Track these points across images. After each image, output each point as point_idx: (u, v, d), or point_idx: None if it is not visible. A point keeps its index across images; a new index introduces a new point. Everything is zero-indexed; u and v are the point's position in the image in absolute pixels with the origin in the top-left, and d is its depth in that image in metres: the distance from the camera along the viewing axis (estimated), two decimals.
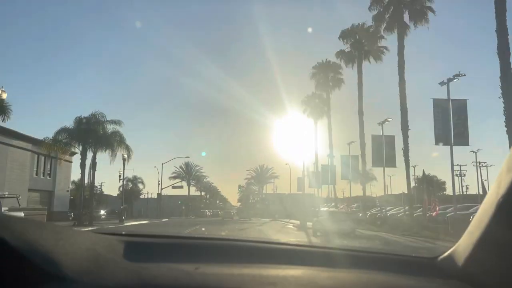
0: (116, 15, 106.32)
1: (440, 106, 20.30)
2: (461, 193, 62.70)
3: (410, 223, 22.71)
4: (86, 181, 34.31)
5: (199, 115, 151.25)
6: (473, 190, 65.20)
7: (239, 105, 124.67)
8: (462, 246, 1.12)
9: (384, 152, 29.15)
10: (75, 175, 51.96)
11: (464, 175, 67.37)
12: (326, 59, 43.69)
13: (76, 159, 37.72)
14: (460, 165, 66.14)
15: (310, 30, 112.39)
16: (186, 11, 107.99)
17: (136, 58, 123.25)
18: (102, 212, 47.15)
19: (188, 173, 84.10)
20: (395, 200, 50.11)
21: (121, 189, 63.88)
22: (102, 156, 34.14)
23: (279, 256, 1.32)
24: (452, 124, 20.12)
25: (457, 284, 1.10)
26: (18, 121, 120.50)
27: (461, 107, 20.27)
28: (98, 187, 68.84)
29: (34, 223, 1.01)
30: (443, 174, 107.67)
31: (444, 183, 67.81)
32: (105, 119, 32.87)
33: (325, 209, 34.72)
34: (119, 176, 43.10)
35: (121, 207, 42.56)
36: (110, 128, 33.05)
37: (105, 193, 70.88)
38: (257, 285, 0.99)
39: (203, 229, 30.81)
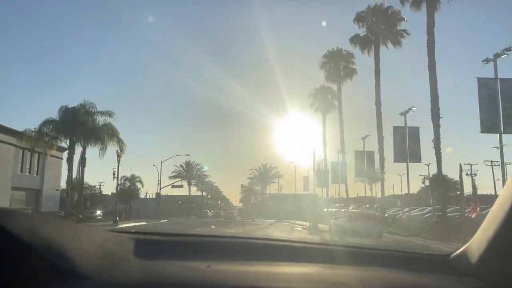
0: (116, 15, 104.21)
1: (486, 87, 17.01)
2: (471, 193, 59.42)
3: (446, 226, 19.50)
4: (74, 178, 31.14)
5: (201, 114, 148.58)
6: (482, 191, 62.09)
7: (241, 103, 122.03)
8: (476, 243, 1.11)
9: (408, 146, 25.91)
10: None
11: (475, 174, 64.49)
12: (337, 47, 40.35)
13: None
14: (471, 164, 63.02)
15: (314, 26, 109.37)
16: (185, 10, 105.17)
17: (136, 57, 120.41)
18: (98, 212, 44.87)
19: (188, 172, 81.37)
20: (400, 201, 46.98)
21: (120, 188, 61.17)
22: (95, 153, 31.12)
23: (292, 253, 1.31)
24: (501, 109, 16.80)
25: (471, 281, 1.09)
26: (18, 122, 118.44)
27: (511, 89, 16.99)
28: (98, 187, 66.56)
29: (48, 220, 1.03)
30: (454, 173, 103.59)
31: (457, 182, 64.16)
32: (96, 110, 29.73)
33: (337, 209, 31.63)
34: (113, 174, 39.80)
35: (120, 207, 39.39)
36: (101, 120, 29.93)
37: (104, 193, 68.24)
38: (271, 282, 0.99)
39: (213, 227, 28.01)
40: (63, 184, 42.99)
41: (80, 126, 28.39)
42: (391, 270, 1.17)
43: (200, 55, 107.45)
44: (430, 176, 61.49)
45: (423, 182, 71.76)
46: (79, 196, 32.12)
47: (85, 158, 30.25)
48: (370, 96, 31.69)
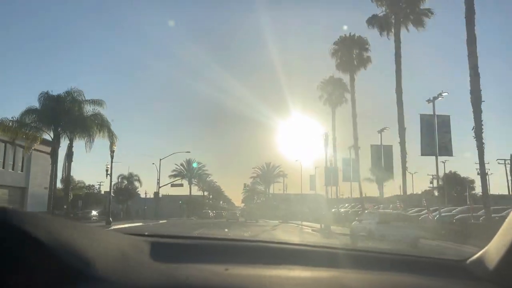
0: (117, 15, 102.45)
1: None
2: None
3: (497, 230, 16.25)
4: (61, 175, 27.95)
5: (203, 113, 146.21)
6: (494, 191, 58.98)
7: (244, 101, 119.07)
8: (494, 248, 1.11)
9: (437, 137, 22.66)
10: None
11: (487, 173, 60.95)
12: (350, 33, 37.08)
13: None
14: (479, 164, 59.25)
15: (319, 23, 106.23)
16: (186, 9, 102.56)
17: (136, 57, 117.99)
18: (94, 212, 42.53)
19: (189, 171, 78.16)
20: (400, 202, 43.63)
21: (116, 187, 58.08)
22: (95, 151, 27.91)
23: (307, 257, 1.31)
24: None
25: (488, 286, 1.09)
26: None
27: None
28: (97, 186, 64.14)
29: (65, 222, 1.05)
30: (467, 172, 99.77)
31: (472, 181, 61.00)
32: (83, 98, 26.50)
33: (347, 210, 28.45)
34: (107, 171, 36.47)
35: (118, 207, 36.18)
36: (90, 109, 26.69)
37: (102, 193, 65.53)
38: (287, 286, 1.01)
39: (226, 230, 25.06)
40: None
41: (65, 115, 25.24)
42: (405, 274, 1.15)
43: (201, 54, 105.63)
44: (440, 174, 58.33)
45: (431, 182, 68.41)
46: (66, 195, 28.92)
47: (72, 152, 27.09)
48: (384, 89, 28.74)
